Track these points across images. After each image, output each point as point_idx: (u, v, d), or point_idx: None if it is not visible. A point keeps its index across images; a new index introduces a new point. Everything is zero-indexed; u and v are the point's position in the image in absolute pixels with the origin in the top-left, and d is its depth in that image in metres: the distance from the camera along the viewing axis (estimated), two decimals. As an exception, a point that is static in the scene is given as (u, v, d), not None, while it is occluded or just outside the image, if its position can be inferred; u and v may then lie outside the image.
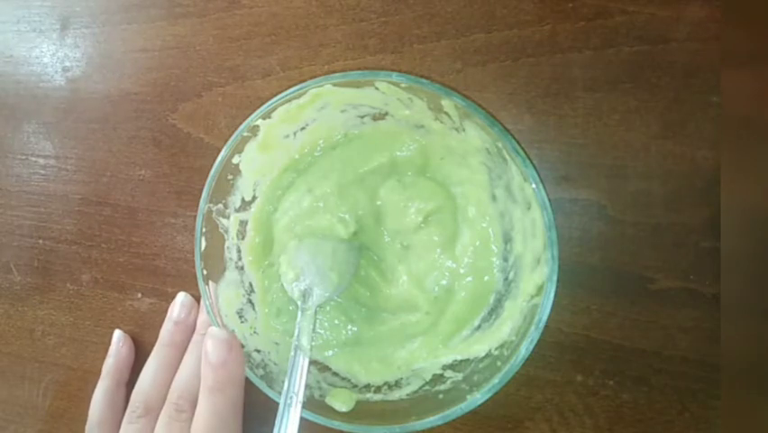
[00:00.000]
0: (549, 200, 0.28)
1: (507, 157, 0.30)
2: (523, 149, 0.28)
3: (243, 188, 0.35)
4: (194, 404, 0.34)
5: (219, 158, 0.32)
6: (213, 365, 0.32)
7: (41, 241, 0.44)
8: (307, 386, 0.34)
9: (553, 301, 0.28)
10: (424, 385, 0.33)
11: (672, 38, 0.31)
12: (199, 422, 0.33)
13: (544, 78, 0.33)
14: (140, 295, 0.42)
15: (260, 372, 0.33)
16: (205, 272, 0.33)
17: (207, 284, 0.33)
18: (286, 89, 0.31)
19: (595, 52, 0.32)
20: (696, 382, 0.33)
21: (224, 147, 0.32)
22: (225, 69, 0.38)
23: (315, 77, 0.35)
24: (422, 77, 0.30)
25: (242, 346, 0.33)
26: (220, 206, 0.34)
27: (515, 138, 0.28)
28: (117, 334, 0.42)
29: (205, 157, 0.40)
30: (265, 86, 0.38)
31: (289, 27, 0.37)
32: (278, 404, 0.31)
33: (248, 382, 0.33)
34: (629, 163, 0.33)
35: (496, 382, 0.29)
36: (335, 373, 0.36)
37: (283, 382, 0.33)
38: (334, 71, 0.36)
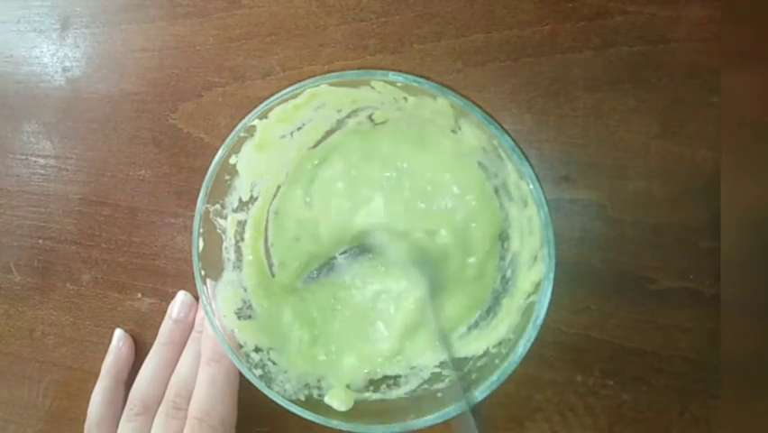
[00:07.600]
0: (545, 198, 0.28)
1: (504, 155, 0.30)
2: (519, 146, 0.28)
3: (241, 189, 0.35)
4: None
5: (216, 158, 0.32)
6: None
7: (41, 241, 0.44)
8: (306, 386, 0.34)
9: (551, 299, 0.28)
10: (422, 384, 0.33)
11: (671, 38, 0.31)
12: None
13: (544, 78, 0.33)
14: (140, 295, 0.42)
15: (259, 372, 0.33)
16: (203, 272, 0.33)
17: (206, 284, 0.33)
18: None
19: (595, 52, 0.32)
20: (696, 382, 0.33)
21: (221, 147, 0.32)
22: (225, 69, 0.38)
23: (314, 77, 0.35)
24: (421, 76, 0.30)
25: (241, 347, 0.33)
26: (217, 206, 0.34)
27: (510, 136, 0.28)
28: (118, 333, 0.42)
29: (205, 157, 0.39)
30: (265, 86, 0.38)
31: (289, 27, 0.37)
32: (277, 404, 0.31)
33: (247, 381, 0.33)
34: (629, 163, 0.32)
35: (494, 379, 0.29)
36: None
37: (282, 382, 0.33)
38: (334, 71, 0.36)
